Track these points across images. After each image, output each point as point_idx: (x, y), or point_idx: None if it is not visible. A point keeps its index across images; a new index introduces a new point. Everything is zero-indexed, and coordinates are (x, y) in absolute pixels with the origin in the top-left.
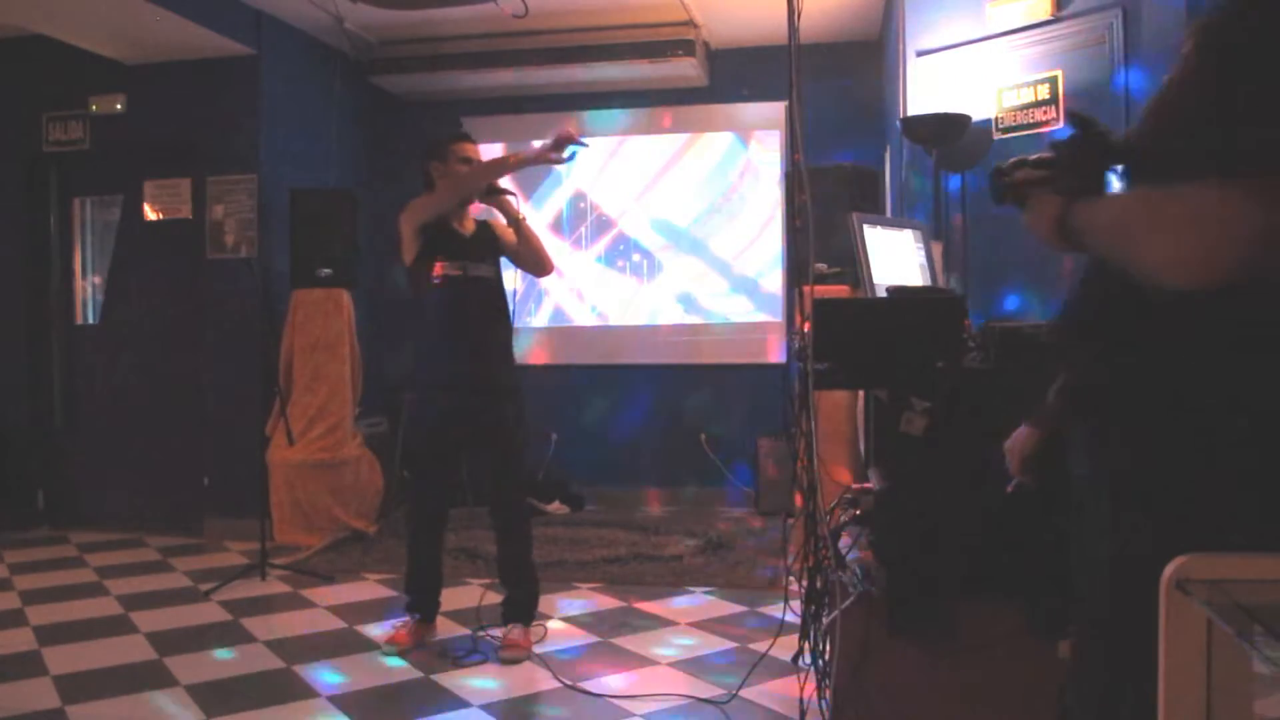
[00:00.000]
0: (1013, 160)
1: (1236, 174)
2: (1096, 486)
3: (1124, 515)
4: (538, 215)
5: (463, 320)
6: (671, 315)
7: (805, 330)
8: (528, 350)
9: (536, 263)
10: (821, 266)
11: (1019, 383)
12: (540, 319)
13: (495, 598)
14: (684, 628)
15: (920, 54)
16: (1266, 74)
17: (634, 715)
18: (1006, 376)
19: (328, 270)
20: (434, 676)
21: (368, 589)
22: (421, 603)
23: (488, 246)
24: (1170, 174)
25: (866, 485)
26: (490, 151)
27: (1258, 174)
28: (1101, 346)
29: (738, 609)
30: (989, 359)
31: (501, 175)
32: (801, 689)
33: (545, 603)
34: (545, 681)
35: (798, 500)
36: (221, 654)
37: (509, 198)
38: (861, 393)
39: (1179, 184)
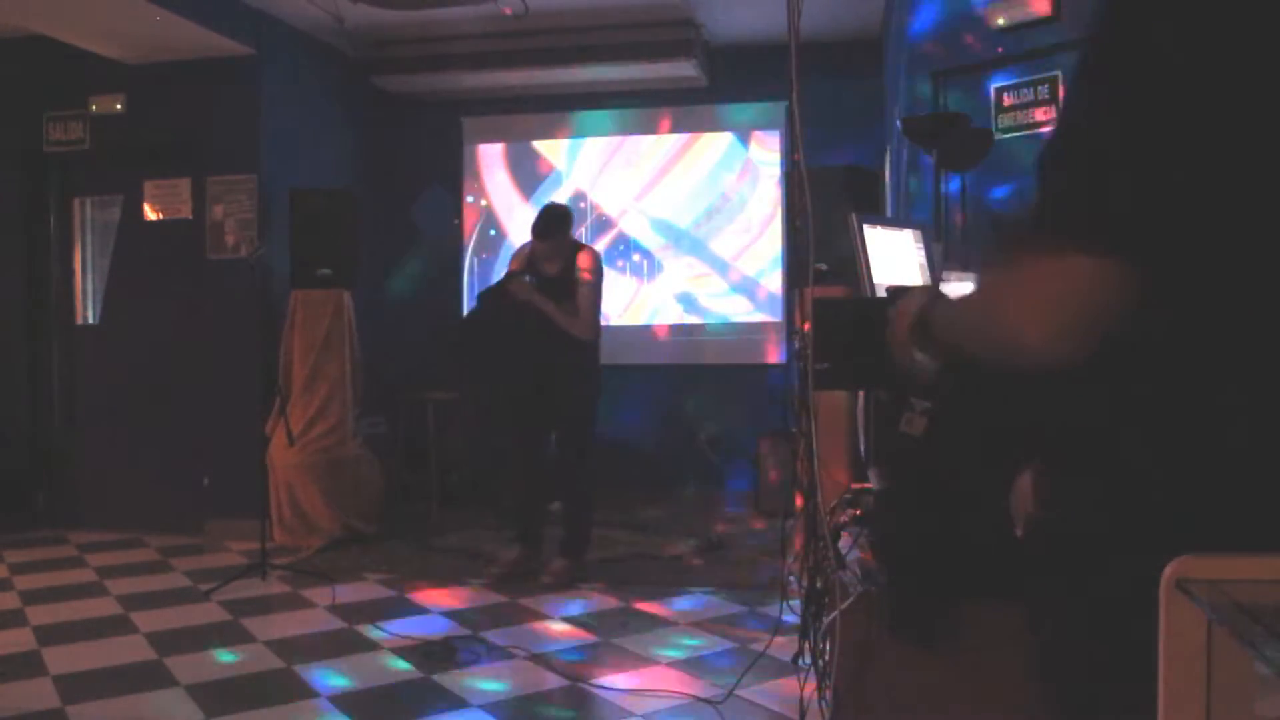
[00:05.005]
0: None
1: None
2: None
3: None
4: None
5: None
6: (671, 315)
7: (805, 330)
8: None
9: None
10: (821, 266)
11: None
12: None
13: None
14: (684, 628)
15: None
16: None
17: (634, 715)
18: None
19: (328, 270)
20: (434, 676)
21: (368, 589)
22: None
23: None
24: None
25: (866, 485)
26: (490, 152)
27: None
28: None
29: (737, 609)
30: None
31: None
32: (802, 689)
33: (544, 603)
34: (545, 681)
35: (798, 500)
36: (221, 654)
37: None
38: (861, 393)
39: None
